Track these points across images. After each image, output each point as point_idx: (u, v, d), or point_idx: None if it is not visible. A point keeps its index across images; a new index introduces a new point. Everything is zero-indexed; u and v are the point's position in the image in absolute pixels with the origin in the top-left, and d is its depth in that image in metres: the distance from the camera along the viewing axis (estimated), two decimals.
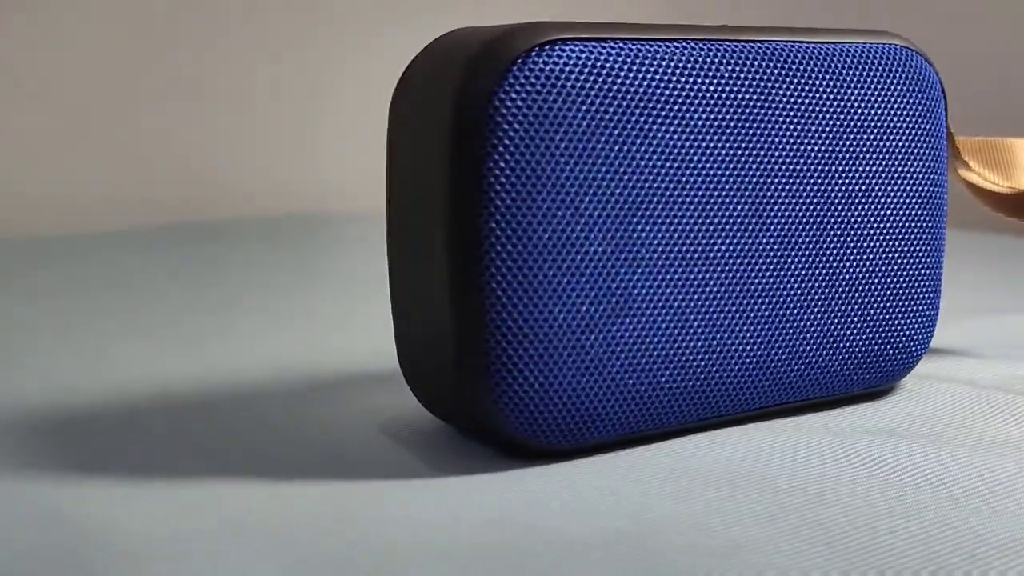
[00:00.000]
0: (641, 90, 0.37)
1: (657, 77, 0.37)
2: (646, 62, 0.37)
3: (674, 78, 0.37)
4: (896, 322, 0.43)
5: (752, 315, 0.40)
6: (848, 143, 0.41)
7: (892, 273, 0.43)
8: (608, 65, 0.36)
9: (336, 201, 1.25)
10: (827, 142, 0.41)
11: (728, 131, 0.38)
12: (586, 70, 0.36)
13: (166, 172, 1.14)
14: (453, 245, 0.36)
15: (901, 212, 0.43)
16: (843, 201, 0.41)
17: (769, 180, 0.40)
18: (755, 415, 0.42)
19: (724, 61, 0.38)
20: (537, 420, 0.36)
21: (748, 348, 0.40)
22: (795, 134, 0.40)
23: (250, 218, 1.06)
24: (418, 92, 0.37)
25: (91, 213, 1.10)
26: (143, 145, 1.12)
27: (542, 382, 0.36)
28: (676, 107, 0.37)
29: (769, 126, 0.39)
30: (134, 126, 1.12)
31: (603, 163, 0.36)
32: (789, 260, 0.40)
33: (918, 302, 0.44)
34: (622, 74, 0.36)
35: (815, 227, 0.41)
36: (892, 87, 0.42)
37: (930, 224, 0.44)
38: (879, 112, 0.42)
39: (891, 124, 0.42)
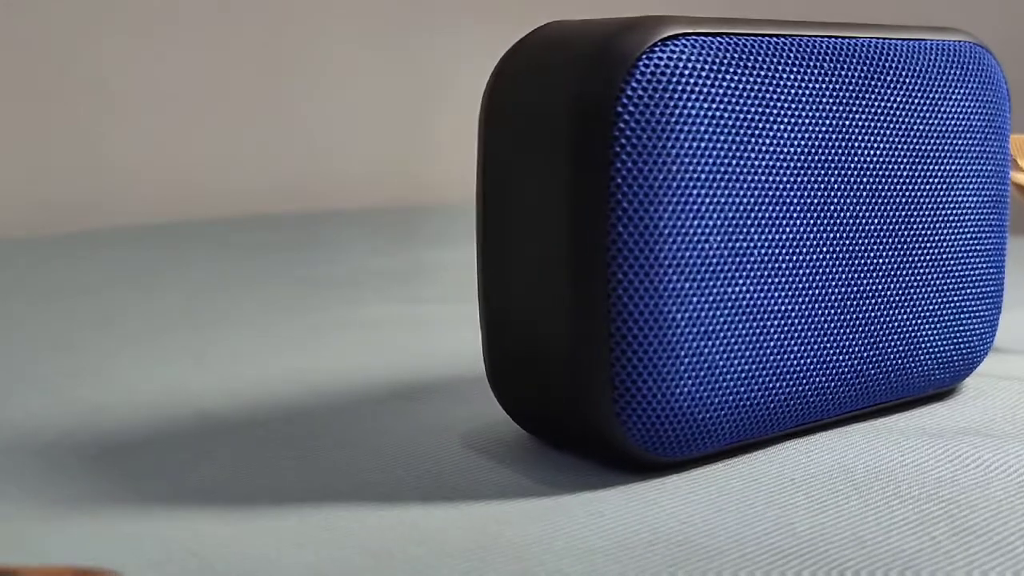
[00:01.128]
0: (753, 86, 0.36)
1: (767, 73, 0.36)
2: (757, 57, 0.36)
3: (781, 74, 0.36)
4: (967, 321, 0.43)
5: (847, 318, 0.39)
6: (932, 141, 0.41)
7: (965, 272, 0.43)
8: (724, 60, 0.35)
9: (332, 200, 1.21)
10: (914, 140, 0.40)
11: (829, 129, 0.38)
12: (705, 66, 0.34)
13: (177, 170, 1.09)
14: (577, 251, 0.34)
15: (974, 211, 0.42)
16: (926, 200, 0.41)
17: (864, 179, 0.39)
18: (839, 420, 0.41)
19: (825, 57, 0.38)
20: (658, 432, 0.35)
21: (844, 351, 0.39)
22: (887, 131, 0.39)
23: (244, 217, 1.02)
24: (523, 89, 0.35)
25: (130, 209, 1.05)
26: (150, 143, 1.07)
27: (664, 393, 0.35)
28: (784, 104, 0.36)
29: (866, 123, 0.39)
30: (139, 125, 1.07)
31: (720, 163, 0.35)
32: (879, 261, 0.40)
33: (985, 301, 0.44)
34: (736, 70, 0.35)
35: (901, 227, 0.40)
36: (967, 85, 0.42)
37: (997, 223, 0.44)
38: (957, 111, 0.41)
39: (967, 123, 0.42)
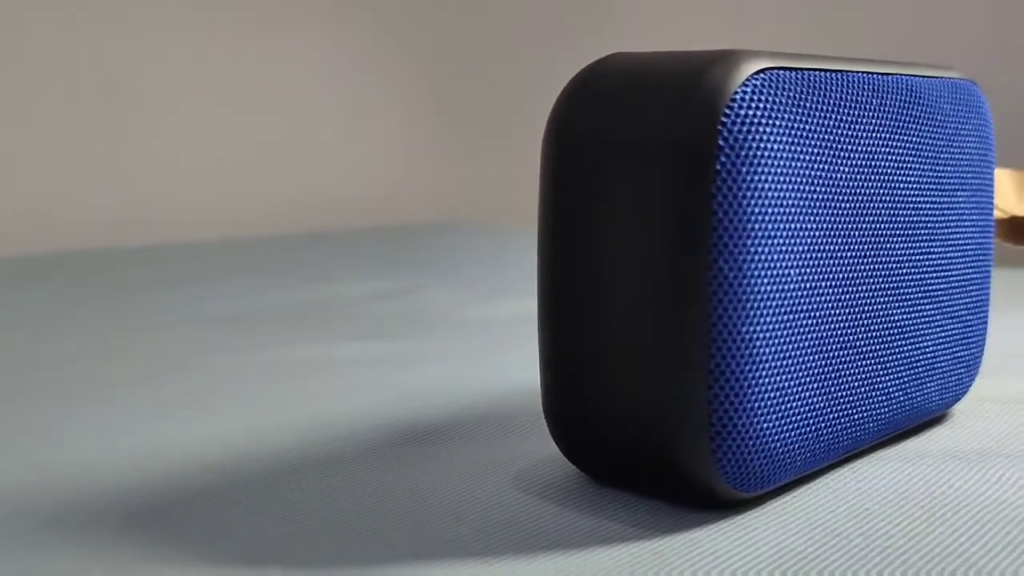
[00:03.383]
0: (821, 120, 0.36)
1: (831, 107, 0.36)
2: (823, 92, 0.36)
3: (842, 108, 0.37)
4: (967, 345, 0.45)
5: (884, 346, 0.40)
6: (945, 174, 0.42)
7: (966, 300, 0.44)
8: (798, 94, 0.35)
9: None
10: (933, 173, 0.41)
11: (874, 162, 0.38)
12: (786, 100, 0.35)
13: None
14: (676, 285, 0.33)
15: (973, 241, 0.44)
16: (940, 231, 0.42)
17: (896, 211, 0.40)
18: (865, 449, 0.42)
19: (873, 92, 0.38)
20: (745, 468, 0.35)
21: (881, 379, 0.40)
22: (914, 165, 0.40)
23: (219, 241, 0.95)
24: (602, 122, 0.35)
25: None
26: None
27: (753, 428, 0.34)
28: (843, 137, 0.37)
29: (898, 157, 0.40)
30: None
31: (796, 196, 0.35)
32: (907, 290, 0.41)
33: (979, 325, 0.45)
34: (808, 103, 0.35)
35: (922, 257, 0.41)
36: (970, 121, 0.43)
37: (987, 251, 0.46)
38: (963, 145, 0.43)
39: (968, 157, 0.43)
